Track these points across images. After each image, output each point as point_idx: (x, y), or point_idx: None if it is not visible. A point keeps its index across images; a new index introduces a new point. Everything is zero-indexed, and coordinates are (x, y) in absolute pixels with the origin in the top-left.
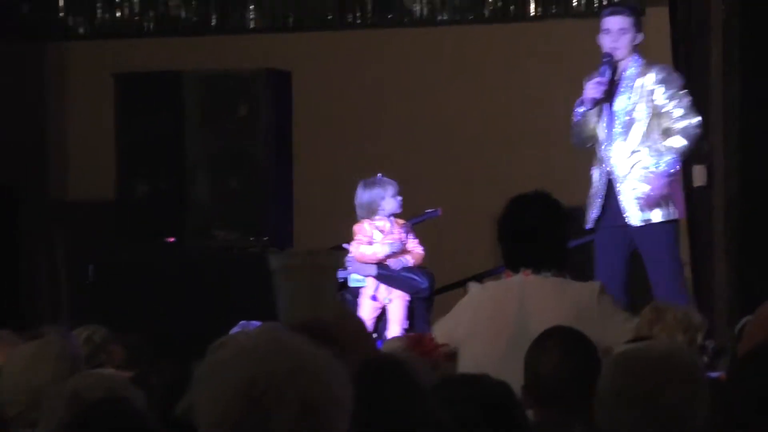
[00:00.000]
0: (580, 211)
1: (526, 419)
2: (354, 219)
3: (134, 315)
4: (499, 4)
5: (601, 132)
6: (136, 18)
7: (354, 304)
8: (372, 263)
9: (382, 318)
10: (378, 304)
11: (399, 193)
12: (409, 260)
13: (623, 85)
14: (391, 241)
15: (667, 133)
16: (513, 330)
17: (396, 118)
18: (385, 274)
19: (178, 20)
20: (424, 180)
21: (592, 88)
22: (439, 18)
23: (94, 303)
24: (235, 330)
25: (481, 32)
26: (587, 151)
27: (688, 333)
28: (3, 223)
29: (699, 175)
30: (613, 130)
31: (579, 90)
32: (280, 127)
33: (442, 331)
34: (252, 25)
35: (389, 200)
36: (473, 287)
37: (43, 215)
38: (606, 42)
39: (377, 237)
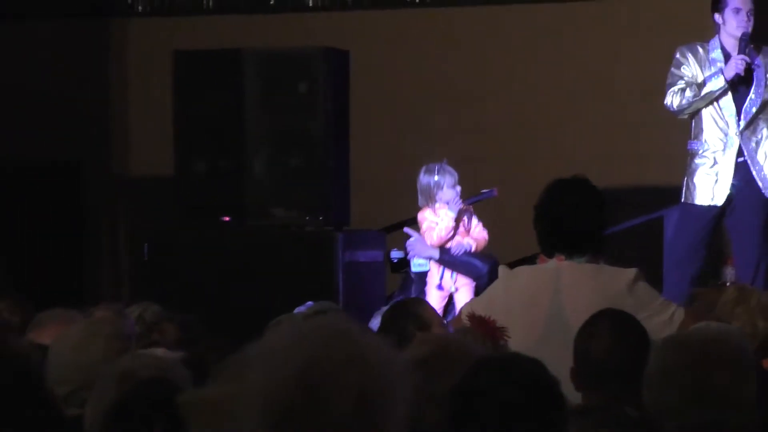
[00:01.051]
0: (633, 190)
1: (563, 397)
2: (411, 198)
3: (190, 294)
4: None
5: (730, 111)
6: None
7: (419, 292)
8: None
9: (449, 307)
10: (444, 293)
11: (458, 183)
12: (471, 244)
13: (758, 70)
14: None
15: None
16: (548, 316)
17: (453, 96)
18: (446, 258)
19: None
20: (483, 159)
21: (739, 64)
22: None
23: (151, 281)
24: (299, 309)
25: (543, 10)
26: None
27: None
28: (66, 199)
29: None
30: (750, 111)
31: (635, 67)
32: (338, 105)
33: (472, 313)
34: (311, 3)
35: (447, 190)
36: (502, 271)
37: (105, 192)
38: (738, 21)
39: (441, 224)
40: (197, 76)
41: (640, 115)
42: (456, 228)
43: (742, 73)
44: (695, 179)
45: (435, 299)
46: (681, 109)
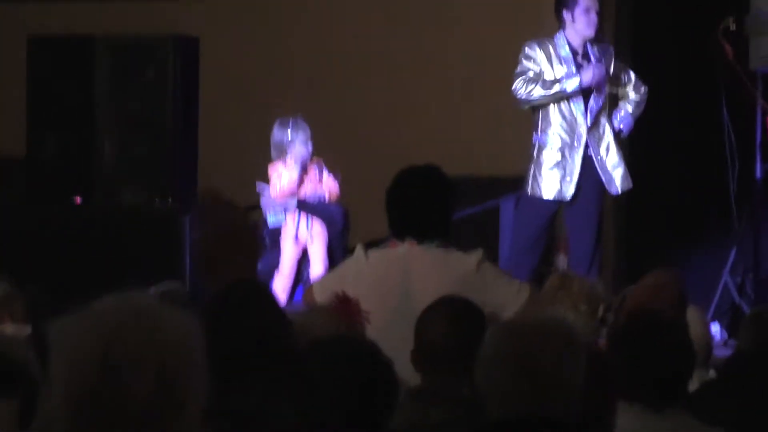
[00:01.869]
0: (475, 180)
1: (395, 378)
2: (260, 179)
3: (40, 273)
4: None
5: (579, 108)
6: None
7: (273, 248)
8: (290, 197)
9: (304, 260)
10: (300, 246)
11: (310, 139)
12: (323, 193)
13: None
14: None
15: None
16: (397, 300)
17: (301, 84)
18: (302, 204)
19: None
20: (328, 146)
21: (597, 75)
22: None
23: (1, 259)
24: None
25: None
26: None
27: (591, 304)
28: None
29: None
30: (595, 108)
31: (485, 60)
32: (187, 91)
33: (324, 288)
34: None
35: (298, 146)
36: (358, 251)
37: None
38: (588, 21)
39: (284, 177)
40: (50, 62)
41: (477, 108)
42: (302, 182)
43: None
44: (542, 172)
45: (290, 252)
46: (529, 99)
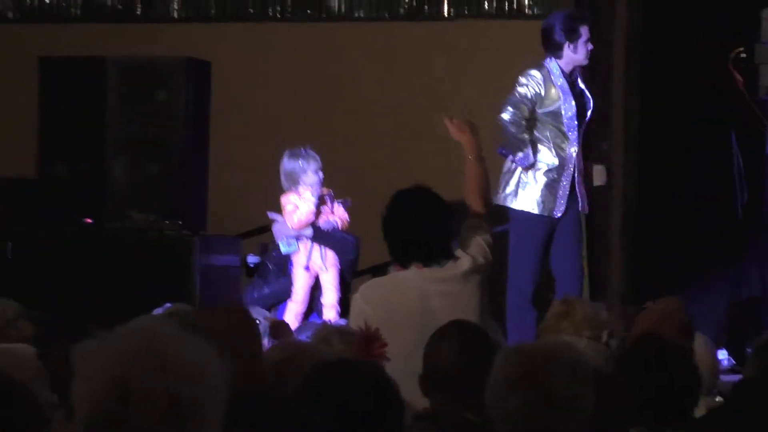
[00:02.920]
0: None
1: (400, 400)
2: (265, 206)
3: (50, 293)
4: (414, 3)
5: (572, 131)
6: (64, 4)
7: (280, 275)
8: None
9: (317, 289)
10: (312, 273)
11: (321, 169)
12: (336, 222)
13: (587, 97)
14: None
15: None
16: (419, 323)
17: (309, 109)
18: (318, 233)
19: (105, 7)
20: (336, 170)
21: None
22: (356, 14)
23: (11, 279)
24: (157, 311)
25: (395, 29)
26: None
27: (595, 330)
28: None
29: (599, 174)
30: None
31: (486, 86)
32: (198, 114)
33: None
34: (175, 15)
35: (310, 174)
36: (361, 288)
37: None
38: (587, 53)
39: (303, 208)
40: (61, 83)
41: (484, 132)
42: (318, 212)
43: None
44: (536, 191)
45: (303, 281)
46: (508, 136)
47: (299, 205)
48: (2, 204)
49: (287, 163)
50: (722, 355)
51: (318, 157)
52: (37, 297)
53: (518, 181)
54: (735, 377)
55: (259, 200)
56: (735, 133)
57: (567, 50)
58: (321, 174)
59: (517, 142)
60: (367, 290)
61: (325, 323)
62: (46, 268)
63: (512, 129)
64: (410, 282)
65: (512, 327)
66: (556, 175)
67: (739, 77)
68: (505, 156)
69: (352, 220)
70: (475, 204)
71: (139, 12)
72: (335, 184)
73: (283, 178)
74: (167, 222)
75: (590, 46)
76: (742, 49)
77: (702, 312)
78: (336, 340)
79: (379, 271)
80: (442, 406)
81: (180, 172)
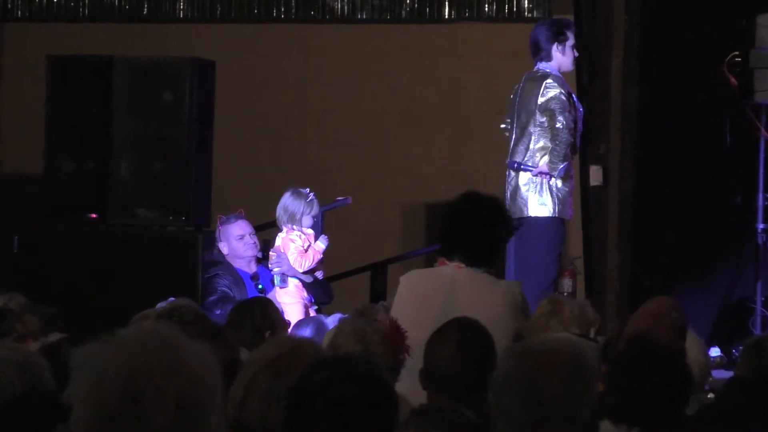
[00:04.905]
0: None
1: (395, 395)
2: (267, 204)
3: (55, 288)
4: (416, 5)
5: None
6: (72, 3)
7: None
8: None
9: None
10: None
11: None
12: (321, 274)
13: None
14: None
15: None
16: (439, 318)
17: (314, 109)
18: (312, 282)
19: (112, 7)
20: (338, 169)
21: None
22: (359, 16)
23: (17, 274)
24: (161, 305)
25: (397, 31)
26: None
27: (583, 327)
28: None
29: (595, 175)
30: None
31: (487, 89)
32: (203, 113)
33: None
34: (181, 15)
35: (307, 218)
36: (403, 278)
37: None
38: (574, 57)
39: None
40: (69, 81)
41: (484, 135)
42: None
43: None
44: (563, 196)
45: (299, 313)
46: (560, 143)
47: (305, 248)
48: (9, 200)
49: (291, 203)
50: (714, 352)
51: (317, 203)
52: (43, 292)
53: (545, 189)
54: (726, 374)
55: (261, 199)
56: (730, 136)
57: (555, 52)
58: (315, 218)
59: (566, 149)
60: (406, 277)
61: (351, 316)
62: (52, 263)
63: (566, 134)
64: (445, 277)
65: None
66: (570, 182)
67: (734, 81)
68: (521, 170)
69: (352, 220)
70: None
71: (145, 12)
72: (338, 185)
73: (281, 212)
74: (171, 218)
75: (576, 54)
76: (737, 53)
77: (696, 311)
78: (369, 330)
79: (376, 268)
80: (440, 402)
81: (184, 170)
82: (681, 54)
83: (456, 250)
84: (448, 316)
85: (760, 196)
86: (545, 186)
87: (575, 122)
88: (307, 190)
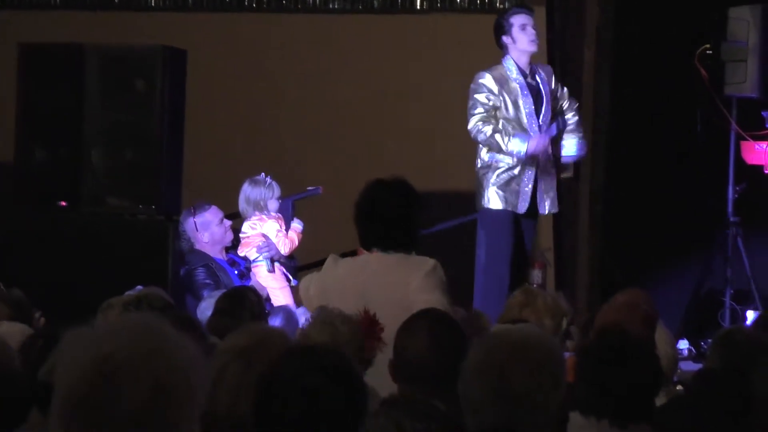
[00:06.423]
0: (452, 195)
1: (364, 385)
2: (238, 194)
3: (25, 274)
4: None
5: (533, 129)
6: None
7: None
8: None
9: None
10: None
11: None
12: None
13: (545, 85)
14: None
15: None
16: (354, 301)
17: (285, 99)
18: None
19: None
20: (310, 159)
21: (541, 145)
22: (331, 6)
23: None
24: (129, 293)
25: (369, 21)
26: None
27: (556, 318)
28: None
29: (566, 167)
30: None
31: (459, 80)
32: (174, 102)
33: (306, 288)
34: (153, 4)
35: (273, 201)
36: (330, 258)
37: None
38: (528, 35)
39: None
40: (40, 69)
41: (458, 126)
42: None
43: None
44: (502, 188)
45: (288, 296)
46: (479, 142)
47: (281, 230)
48: None
49: (252, 191)
50: (683, 344)
51: (278, 186)
52: (12, 278)
53: (485, 181)
54: (695, 366)
55: (232, 188)
56: (702, 128)
57: (509, 43)
58: (280, 201)
59: (491, 144)
60: (330, 263)
61: (323, 307)
62: (22, 251)
63: (480, 139)
64: (363, 264)
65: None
66: (519, 172)
67: (705, 74)
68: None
69: (326, 210)
70: None
71: (117, 1)
72: (309, 175)
73: (243, 204)
74: (141, 207)
75: (530, 30)
76: (708, 46)
77: (666, 304)
78: (338, 322)
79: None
80: (411, 393)
81: (155, 159)
82: (653, 47)
83: (370, 239)
84: (361, 300)
85: (730, 188)
86: (485, 179)
87: (520, 109)
88: (263, 175)
